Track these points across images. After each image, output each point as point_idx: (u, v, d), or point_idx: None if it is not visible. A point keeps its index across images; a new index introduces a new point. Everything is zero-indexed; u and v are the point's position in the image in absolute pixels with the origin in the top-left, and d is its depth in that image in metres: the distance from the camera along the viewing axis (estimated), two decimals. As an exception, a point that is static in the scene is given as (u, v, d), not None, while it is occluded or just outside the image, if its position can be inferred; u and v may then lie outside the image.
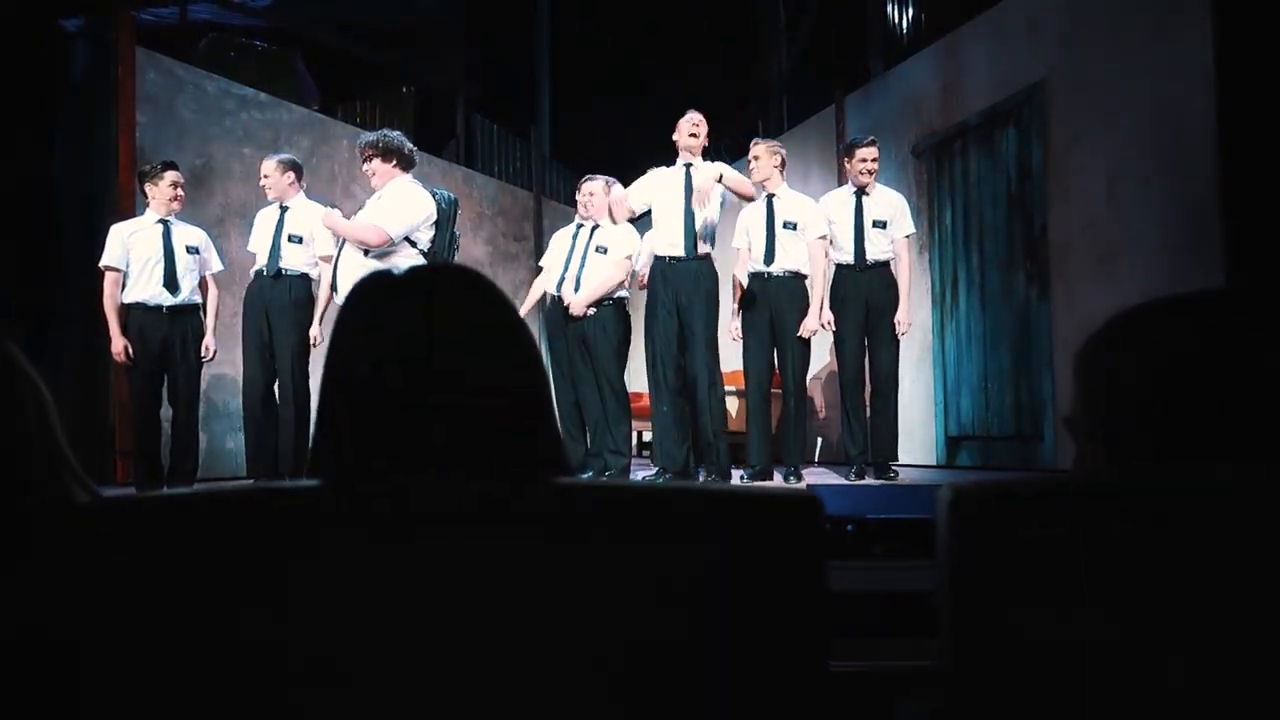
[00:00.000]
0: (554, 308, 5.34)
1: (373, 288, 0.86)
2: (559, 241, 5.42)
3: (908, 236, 5.00)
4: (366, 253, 4.34)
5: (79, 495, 0.96)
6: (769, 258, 4.93)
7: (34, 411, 0.94)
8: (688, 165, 4.75)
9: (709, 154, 4.91)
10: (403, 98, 9.08)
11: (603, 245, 5.13)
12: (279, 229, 4.84)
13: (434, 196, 4.51)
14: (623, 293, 5.15)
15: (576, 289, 5.11)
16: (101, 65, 5.29)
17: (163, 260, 4.66)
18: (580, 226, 5.37)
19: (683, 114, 4.80)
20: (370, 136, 4.54)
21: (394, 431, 0.79)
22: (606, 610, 0.69)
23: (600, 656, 0.69)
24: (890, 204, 5.00)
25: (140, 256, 4.65)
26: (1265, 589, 0.71)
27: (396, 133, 4.57)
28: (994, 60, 5.69)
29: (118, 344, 4.57)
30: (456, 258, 4.77)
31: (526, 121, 9.79)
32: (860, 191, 4.96)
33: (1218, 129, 4.07)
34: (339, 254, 4.47)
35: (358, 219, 4.46)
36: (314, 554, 0.69)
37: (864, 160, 4.95)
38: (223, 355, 4.92)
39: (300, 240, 4.83)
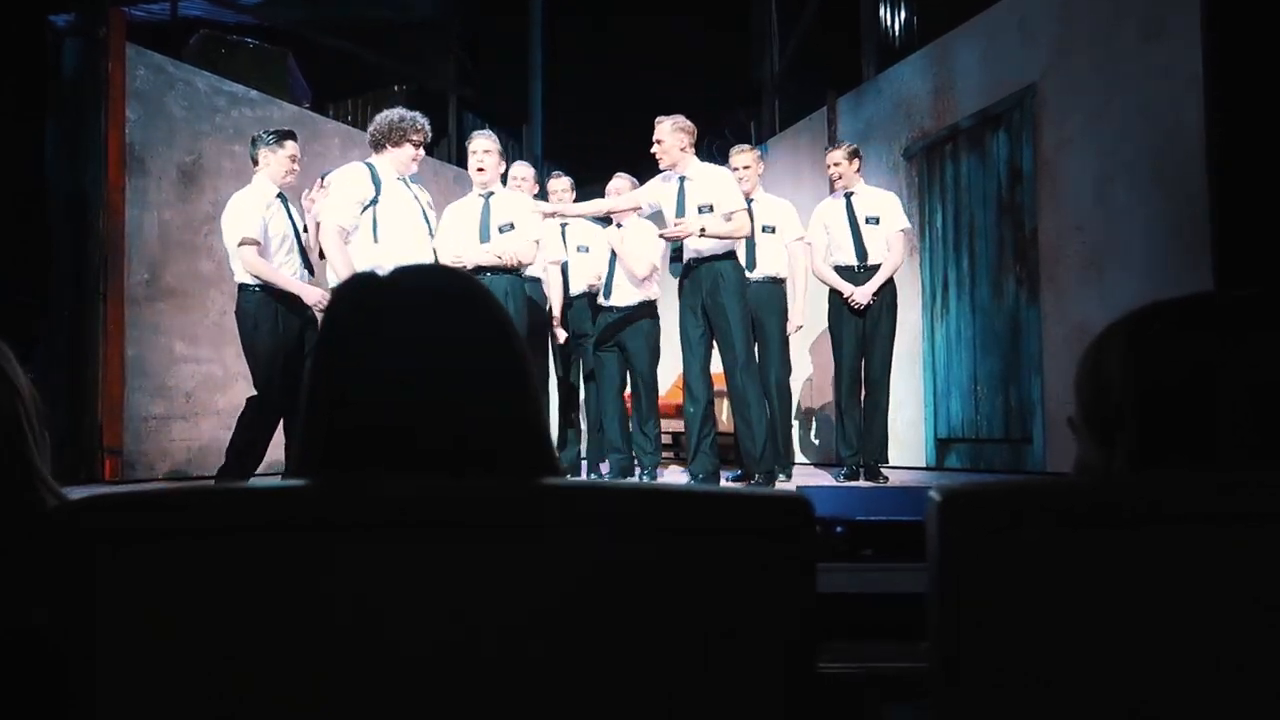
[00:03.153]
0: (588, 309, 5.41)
1: (358, 289, 0.86)
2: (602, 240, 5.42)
3: (902, 230, 5.03)
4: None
5: (49, 500, 0.96)
6: (750, 263, 4.97)
7: (7, 418, 0.94)
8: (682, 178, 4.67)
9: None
10: (394, 96, 9.06)
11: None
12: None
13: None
14: (654, 293, 5.20)
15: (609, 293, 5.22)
16: (92, 61, 5.26)
17: (294, 238, 4.39)
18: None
19: (672, 112, 4.72)
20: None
21: (381, 432, 0.79)
22: (594, 611, 0.69)
23: (587, 657, 0.68)
24: (880, 200, 5.07)
25: (277, 232, 4.33)
26: (1258, 592, 0.72)
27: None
28: (985, 63, 5.70)
29: (314, 293, 4.22)
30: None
31: (519, 121, 9.77)
32: (848, 194, 5.02)
33: (1206, 133, 4.09)
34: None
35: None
36: (300, 555, 0.68)
37: (828, 166, 5.12)
38: (210, 353, 4.81)
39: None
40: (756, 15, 8.95)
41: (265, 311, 4.22)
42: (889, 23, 7.36)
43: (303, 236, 4.43)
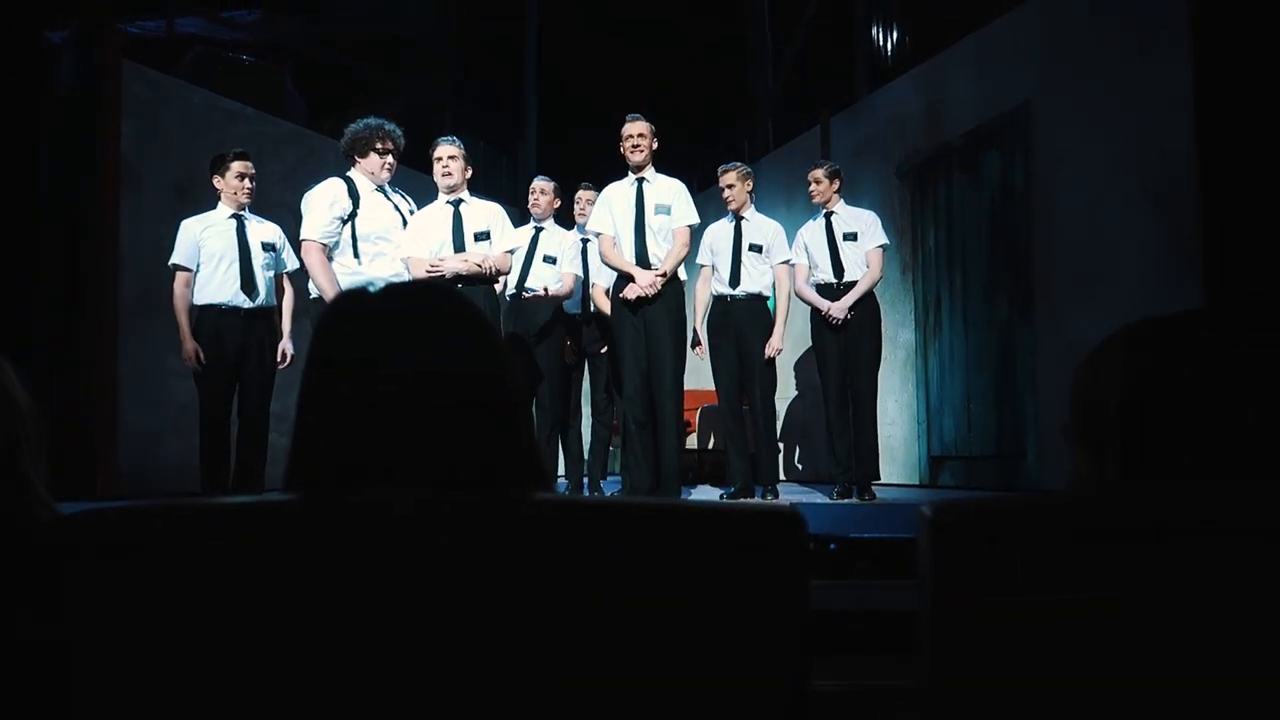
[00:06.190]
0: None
1: (347, 306, 0.86)
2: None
3: (880, 247, 5.04)
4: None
5: (43, 514, 0.96)
6: (734, 280, 4.99)
7: (3, 432, 0.95)
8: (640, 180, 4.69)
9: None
10: (389, 113, 9.08)
11: None
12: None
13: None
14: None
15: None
16: (87, 77, 5.27)
17: (237, 259, 4.45)
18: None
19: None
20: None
21: (369, 445, 0.79)
22: (586, 625, 0.68)
23: (579, 672, 0.68)
24: (858, 217, 5.10)
25: (213, 254, 4.43)
26: (1245, 600, 0.72)
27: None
28: (978, 82, 5.74)
29: (189, 346, 4.35)
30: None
31: (514, 138, 9.80)
32: (827, 213, 5.06)
33: (1197, 151, 4.11)
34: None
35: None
36: (290, 567, 0.68)
37: (809, 184, 5.16)
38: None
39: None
40: (750, 34, 9.01)
41: (201, 329, 4.41)
42: (882, 42, 7.41)
43: (255, 260, 4.50)
